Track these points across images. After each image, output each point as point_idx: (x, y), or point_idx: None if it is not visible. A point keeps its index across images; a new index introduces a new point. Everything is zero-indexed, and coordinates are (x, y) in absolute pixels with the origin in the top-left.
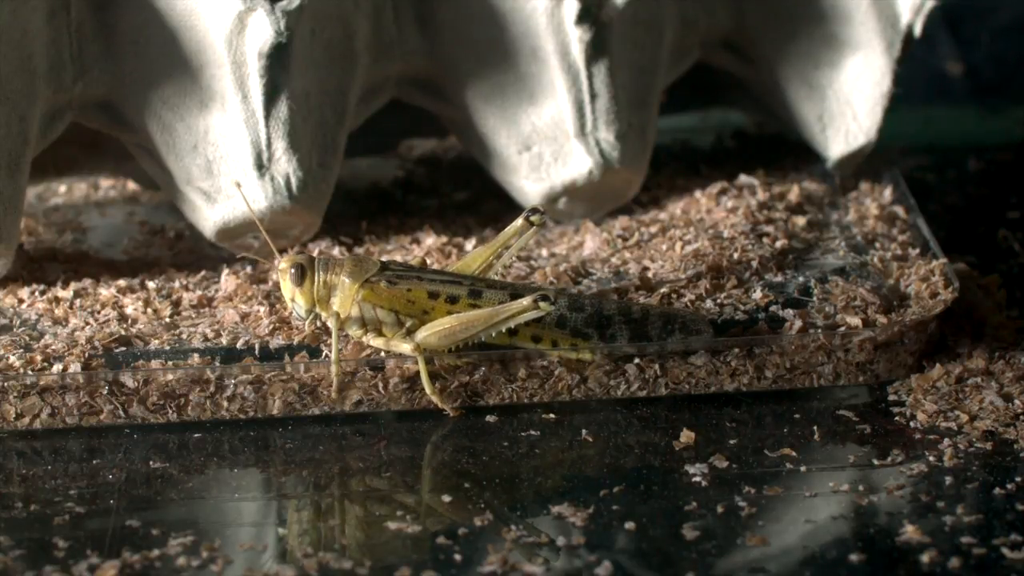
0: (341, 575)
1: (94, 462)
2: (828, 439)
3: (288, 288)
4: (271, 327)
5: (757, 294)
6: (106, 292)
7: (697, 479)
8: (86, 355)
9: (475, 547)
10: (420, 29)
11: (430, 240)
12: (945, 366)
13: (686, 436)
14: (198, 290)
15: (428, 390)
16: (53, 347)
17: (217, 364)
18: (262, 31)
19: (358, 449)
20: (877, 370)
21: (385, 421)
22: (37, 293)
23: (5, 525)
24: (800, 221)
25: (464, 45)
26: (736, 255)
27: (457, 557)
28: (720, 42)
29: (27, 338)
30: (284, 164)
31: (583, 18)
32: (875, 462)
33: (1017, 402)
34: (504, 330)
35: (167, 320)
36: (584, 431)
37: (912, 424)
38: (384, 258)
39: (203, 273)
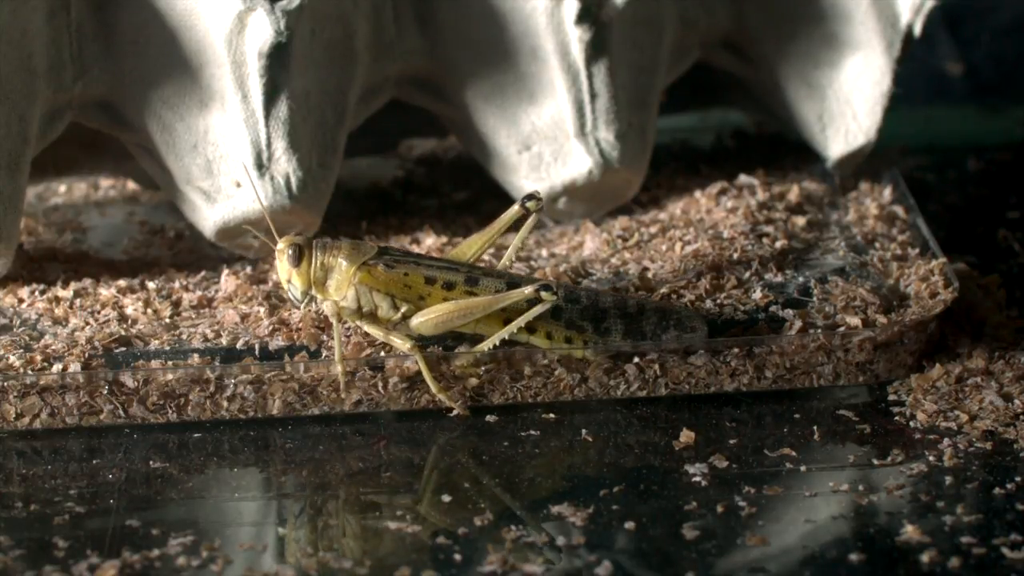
0: (341, 575)
1: (94, 462)
2: (828, 439)
3: (285, 269)
4: (271, 327)
5: (757, 294)
6: (106, 292)
7: (697, 479)
8: (86, 355)
9: (475, 547)
10: (420, 29)
11: (430, 240)
12: (945, 366)
13: (686, 436)
14: (198, 290)
15: (434, 388)
16: (53, 347)
17: (217, 364)
18: (262, 31)
19: (358, 449)
20: (877, 370)
21: (385, 421)
22: (37, 293)
23: (5, 525)
24: (800, 221)
25: (464, 45)
26: (736, 255)
27: (457, 557)
28: (720, 42)
29: (27, 338)
30: (284, 164)
31: (583, 18)
32: (875, 462)
33: (1017, 402)
34: (499, 320)
35: (167, 320)
36: (584, 431)
37: (912, 424)
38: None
39: (203, 273)
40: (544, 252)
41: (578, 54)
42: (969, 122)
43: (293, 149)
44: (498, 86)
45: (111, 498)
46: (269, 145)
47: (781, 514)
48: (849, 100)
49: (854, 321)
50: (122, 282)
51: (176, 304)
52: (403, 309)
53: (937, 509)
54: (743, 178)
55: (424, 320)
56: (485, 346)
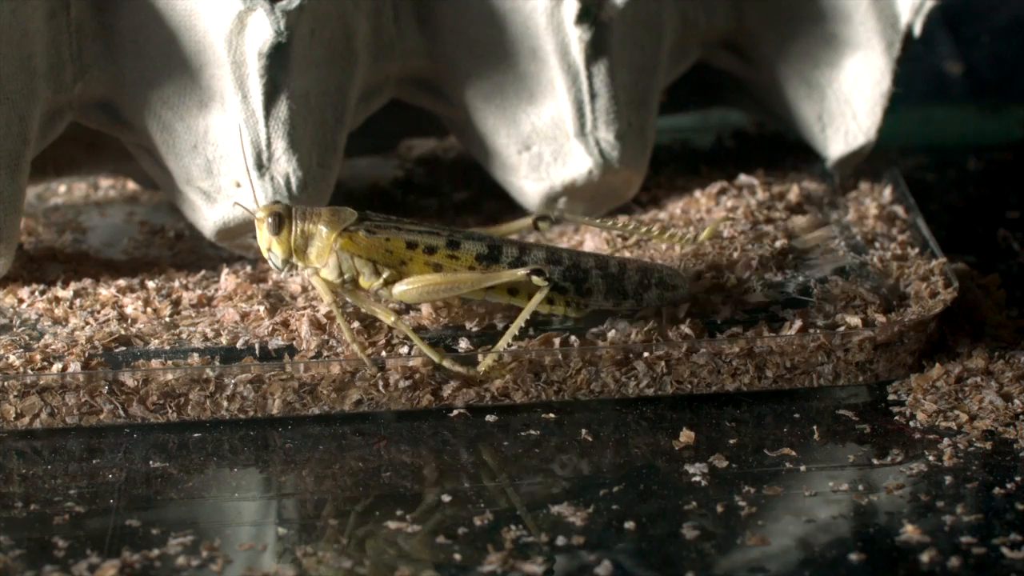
0: (341, 575)
1: (94, 462)
2: (828, 439)
3: (265, 238)
4: (271, 327)
5: (757, 294)
6: (106, 292)
7: (697, 479)
8: (86, 355)
9: (475, 547)
10: (420, 29)
11: None
12: (945, 366)
13: (686, 436)
14: (198, 290)
15: (436, 359)
16: (53, 347)
17: (217, 364)
18: (262, 31)
19: (358, 449)
20: (877, 370)
21: (385, 421)
22: (37, 293)
23: (5, 525)
24: (800, 221)
25: (464, 45)
26: (736, 255)
27: (457, 557)
28: (720, 42)
29: (27, 338)
30: (284, 164)
31: (583, 18)
32: (875, 462)
33: (1017, 402)
34: (482, 289)
35: (167, 320)
36: (584, 431)
37: (912, 424)
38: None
39: (203, 273)
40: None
41: (578, 54)
42: (969, 122)
43: (293, 149)
44: (498, 86)
45: (111, 498)
46: (269, 145)
47: (781, 514)
48: (849, 100)
49: (854, 321)
50: (122, 282)
51: (176, 303)
52: (385, 275)
53: (937, 509)
54: (743, 178)
55: (408, 288)
56: (502, 344)
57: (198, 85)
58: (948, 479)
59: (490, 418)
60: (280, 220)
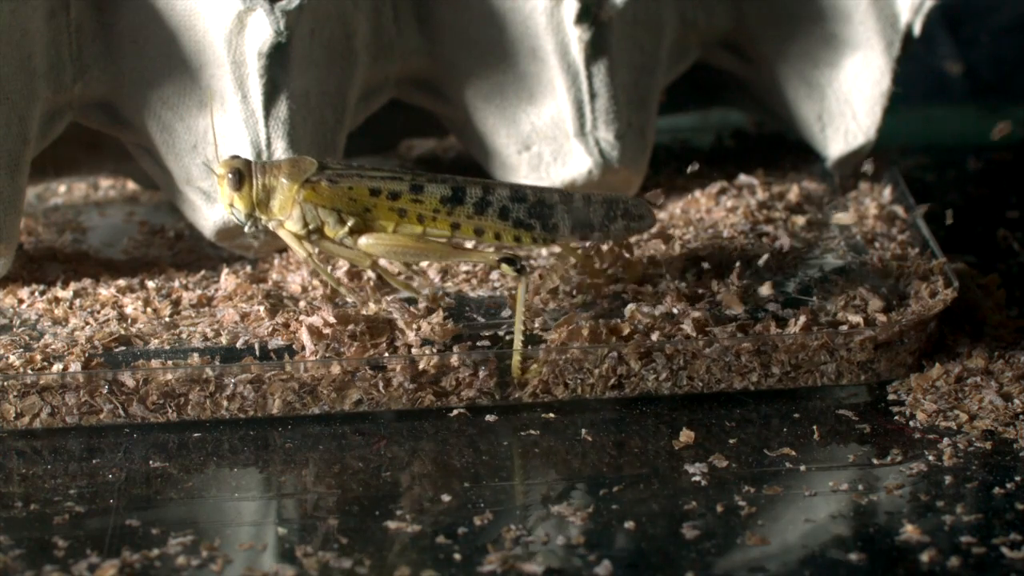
0: (341, 575)
1: (94, 461)
2: (828, 439)
3: (226, 193)
4: (271, 327)
5: (757, 294)
6: (106, 292)
7: (697, 479)
8: (86, 354)
9: (475, 547)
10: (420, 29)
11: None
12: (945, 365)
13: (686, 436)
14: (198, 290)
15: (414, 295)
16: (53, 347)
17: (217, 363)
18: (262, 31)
19: (358, 449)
20: (879, 369)
21: (385, 421)
22: (37, 293)
23: (5, 525)
24: (799, 220)
25: (464, 45)
26: (736, 255)
27: (457, 557)
28: (720, 42)
29: (27, 338)
30: None
31: (582, 18)
32: (875, 461)
33: (1016, 401)
34: (448, 227)
35: (167, 320)
36: (584, 431)
37: (912, 423)
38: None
39: (203, 273)
40: (544, 251)
41: (578, 54)
42: (969, 122)
43: (293, 149)
44: (498, 86)
45: (111, 498)
46: (269, 145)
47: (781, 514)
48: (848, 100)
49: (855, 319)
50: (122, 282)
51: (176, 303)
52: (350, 223)
53: (937, 509)
54: (743, 178)
55: (376, 243)
56: (518, 344)
57: (198, 85)
58: (948, 479)
59: (490, 418)
60: (240, 176)
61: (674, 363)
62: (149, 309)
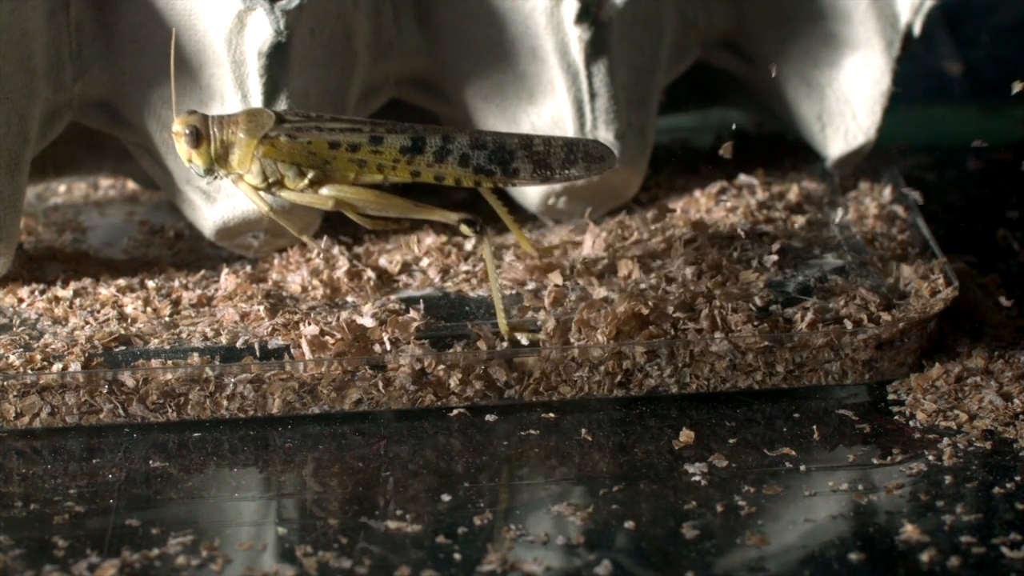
0: (341, 575)
1: (94, 461)
2: (828, 439)
3: (184, 150)
4: (271, 327)
5: (757, 293)
6: (106, 291)
7: (697, 478)
8: (86, 354)
9: (475, 547)
10: (420, 29)
11: (430, 240)
12: (944, 365)
13: (686, 436)
14: (198, 289)
15: (376, 228)
16: (53, 346)
17: (217, 363)
18: (261, 30)
19: (358, 449)
20: (882, 368)
21: (385, 421)
22: (37, 292)
23: (5, 524)
24: (799, 220)
25: (463, 45)
26: (736, 254)
27: (457, 557)
28: (720, 42)
29: (27, 337)
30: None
31: (582, 17)
32: (874, 461)
33: (1016, 401)
34: (409, 175)
35: (167, 319)
36: (584, 431)
37: (911, 423)
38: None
39: (203, 272)
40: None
41: (577, 54)
42: (969, 122)
43: None
44: (498, 86)
45: (111, 498)
46: None
47: (781, 514)
48: (848, 99)
49: (859, 316)
50: (122, 281)
51: (176, 303)
52: (310, 175)
53: (936, 508)
54: (743, 177)
55: (339, 193)
56: (497, 302)
57: (198, 84)
58: (948, 479)
59: (490, 418)
60: (198, 133)
61: (678, 360)
62: (149, 309)
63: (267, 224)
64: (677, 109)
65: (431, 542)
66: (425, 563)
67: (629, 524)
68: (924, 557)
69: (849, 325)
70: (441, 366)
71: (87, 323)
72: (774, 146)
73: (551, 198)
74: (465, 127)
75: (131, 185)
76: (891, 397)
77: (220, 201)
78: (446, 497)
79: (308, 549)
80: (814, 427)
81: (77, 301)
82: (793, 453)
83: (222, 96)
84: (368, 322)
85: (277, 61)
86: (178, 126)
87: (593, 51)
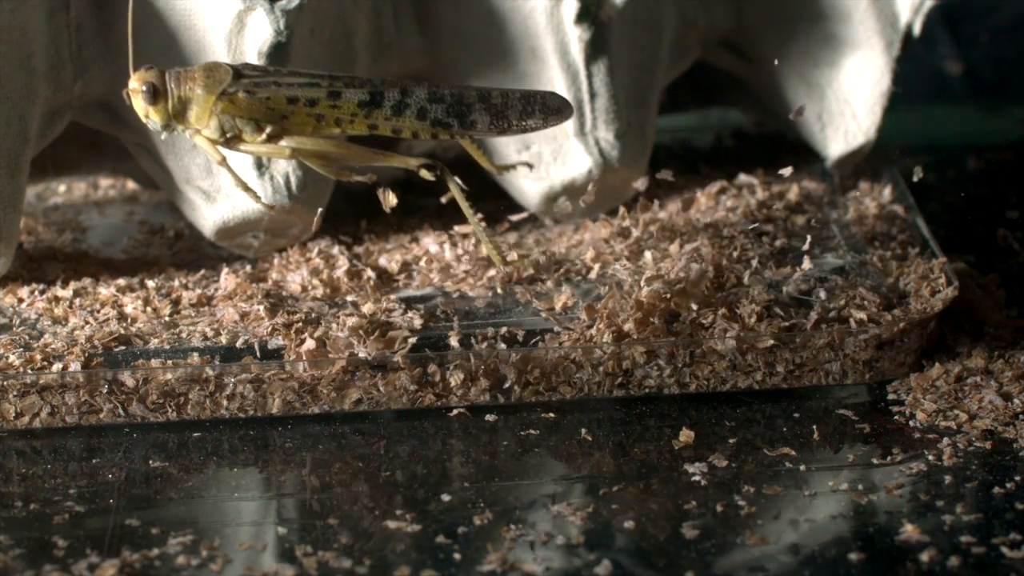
0: (341, 574)
1: (94, 461)
2: (828, 439)
3: (141, 107)
4: (271, 327)
5: (756, 293)
6: (106, 291)
7: (697, 478)
8: (86, 354)
9: (475, 547)
10: (419, 29)
11: (430, 239)
12: (944, 365)
13: (686, 436)
14: (197, 289)
15: (339, 178)
16: (53, 346)
17: (217, 363)
18: (261, 30)
19: (358, 449)
20: (883, 368)
21: (385, 421)
22: (37, 292)
23: (5, 524)
24: (799, 220)
25: (463, 44)
26: (736, 254)
27: (457, 557)
28: (720, 42)
29: (27, 337)
30: (283, 162)
31: (582, 17)
32: (874, 461)
33: (1016, 401)
34: (366, 129)
35: (166, 319)
36: (584, 431)
37: (911, 423)
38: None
39: (202, 272)
40: (544, 251)
41: (577, 54)
42: (969, 122)
43: None
44: (497, 85)
45: (111, 497)
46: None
47: (781, 514)
48: (848, 99)
49: (859, 315)
50: (121, 281)
51: (176, 303)
52: (268, 130)
53: (936, 508)
54: (743, 177)
55: (299, 146)
56: (481, 235)
57: None
58: (948, 479)
59: (490, 418)
60: (155, 90)
61: (679, 360)
62: (149, 308)
63: (267, 224)
64: (677, 109)
65: (431, 542)
66: (425, 563)
67: (629, 524)
68: (924, 557)
69: (849, 325)
70: (445, 366)
71: (87, 323)
72: (774, 146)
73: (550, 198)
74: (423, 81)
75: (131, 185)
76: (891, 397)
77: (220, 201)
78: (446, 497)
79: (308, 549)
80: (814, 427)
81: (77, 301)
82: (793, 453)
83: None
84: (363, 353)
85: (277, 61)
86: (134, 82)
87: (593, 51)
